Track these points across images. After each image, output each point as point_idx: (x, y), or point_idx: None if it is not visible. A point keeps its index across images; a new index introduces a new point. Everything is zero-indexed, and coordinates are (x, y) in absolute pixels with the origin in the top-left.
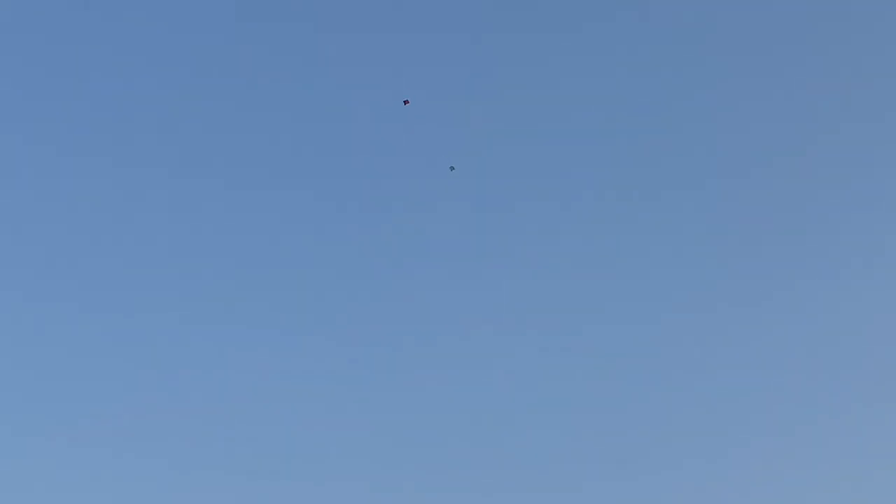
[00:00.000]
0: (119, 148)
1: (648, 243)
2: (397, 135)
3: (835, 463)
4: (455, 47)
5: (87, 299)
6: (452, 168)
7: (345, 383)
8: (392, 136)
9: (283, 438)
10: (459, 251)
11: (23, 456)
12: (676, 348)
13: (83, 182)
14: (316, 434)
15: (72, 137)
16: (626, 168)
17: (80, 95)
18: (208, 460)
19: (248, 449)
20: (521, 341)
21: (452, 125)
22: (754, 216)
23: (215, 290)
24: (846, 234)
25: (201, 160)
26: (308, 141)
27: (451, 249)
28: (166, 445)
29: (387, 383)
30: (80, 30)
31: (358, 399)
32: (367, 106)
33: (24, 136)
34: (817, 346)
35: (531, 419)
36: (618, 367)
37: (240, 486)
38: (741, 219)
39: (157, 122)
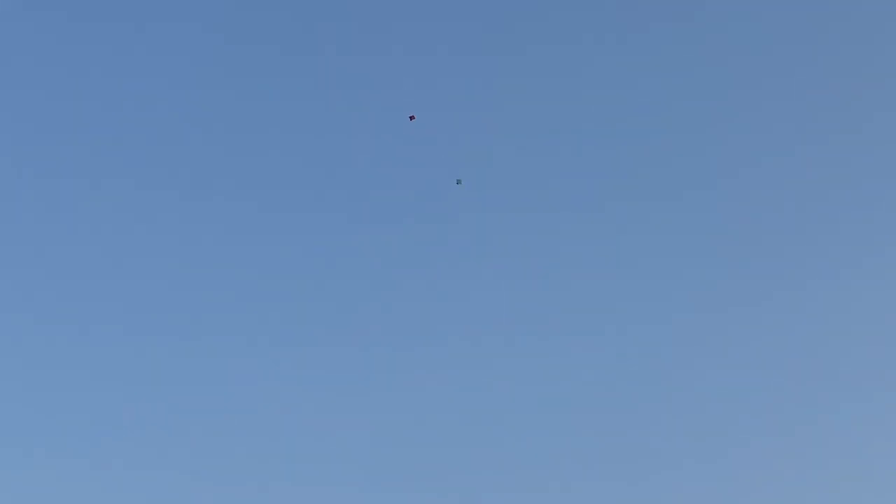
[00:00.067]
0: (119, 154)
1: (650, 246)
2: (400, 144)
3: (835, 463)
4: (461, 56)
5: (86, 299)
6: (459, 182)
7: (350, 389)
8: (394, 146)
9: (288, 443)
10: (460, 257)
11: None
12: (681, 349)
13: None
14: (321, 438)
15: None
16: (628, 170)
17: (80, 96)
18: (213, 467)
19: (253, 455)
20: (529, 348)
21: (456, 133)
22: (758, 217)
23: (218, 298)
24: (848, 234)
25: (202, 170)
26: (311, 150)
27: (452, 254)
28: (170, 453)
29: (390, 387)
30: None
31: (363, 405)
32: (370, 117)
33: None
34: (819, 346)
35: (535, 422)
36: (622, 368)
37: (242, 493)
38: (745, 219)
39: (159, 129)
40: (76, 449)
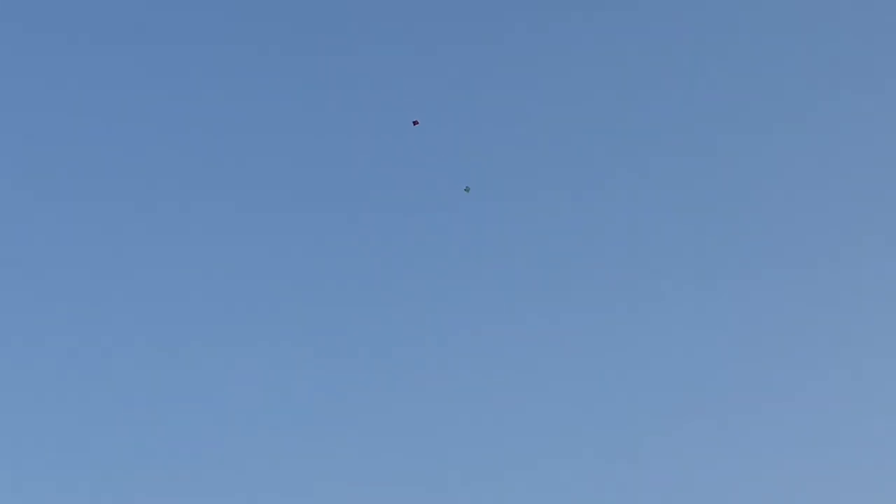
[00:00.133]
0: (118, 153)
1: (648, 243)
2: (400, 144)
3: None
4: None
5: (84, 299)
6: (467, 189)
7: (350, 390)
8: (395, 146)
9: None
10: (460, 257)
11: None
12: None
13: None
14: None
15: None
16: (629, 170)
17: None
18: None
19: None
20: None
21: (458, 133)
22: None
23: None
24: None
25: (202, 170)
26: (311, 150)
27: (452, 254)
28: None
29: (390, 389)
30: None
31: (364, 405)
32: (372, 119)
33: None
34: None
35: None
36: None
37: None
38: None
39: (159, 129)
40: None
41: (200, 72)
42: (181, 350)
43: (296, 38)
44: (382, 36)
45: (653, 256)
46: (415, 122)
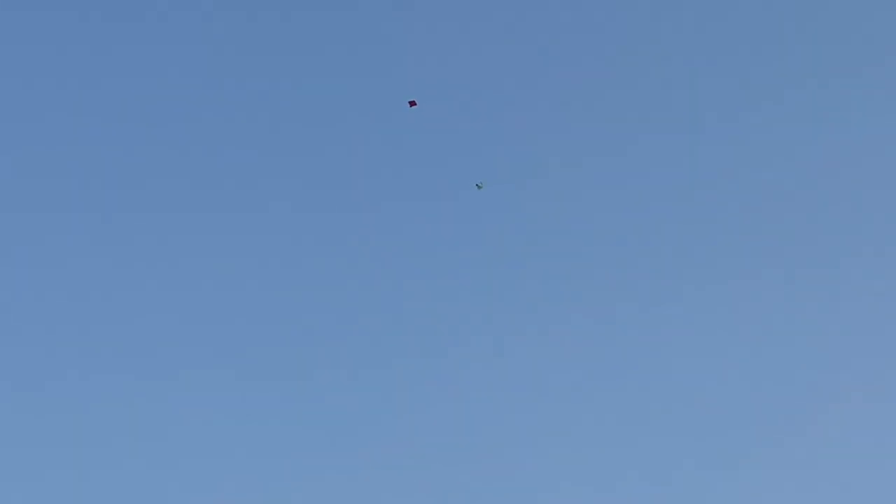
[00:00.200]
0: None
1: (650, 244)
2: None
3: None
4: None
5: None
6: (479, 186)
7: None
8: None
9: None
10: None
11: None
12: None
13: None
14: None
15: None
16: (630, 169)
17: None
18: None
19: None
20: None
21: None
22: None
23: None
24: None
25: (201, 169)
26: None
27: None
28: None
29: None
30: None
31: (362, 407)
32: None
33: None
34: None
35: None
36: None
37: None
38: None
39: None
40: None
41: (200, 71)
42: (182, 350)
43: (296, 38)
44: (383, 35)
45: (658, 257)
46: (411, 103)
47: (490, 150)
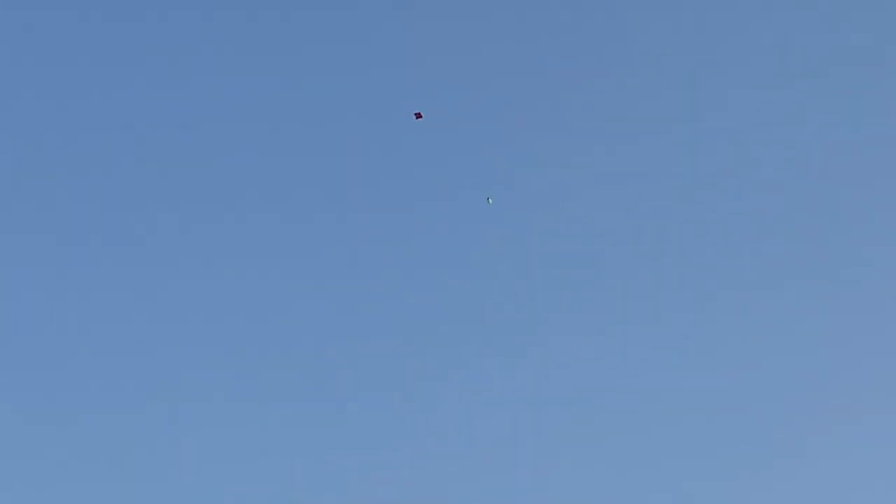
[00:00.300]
0: (115, 154)
1: (650, 244)
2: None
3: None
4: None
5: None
6: (489, 200)
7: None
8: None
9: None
10: (461, 258)
11: None
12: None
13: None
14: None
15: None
16: (630, 169)
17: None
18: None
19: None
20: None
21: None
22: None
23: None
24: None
25: (200, 169)
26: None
27: (454, 254)
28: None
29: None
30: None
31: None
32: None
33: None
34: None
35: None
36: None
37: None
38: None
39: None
40: None
41: (200, 72)
42: (182, 352)
43: (296, 38)
44: (383, 35)
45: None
46: (417, 115)
47: (490, 150)
